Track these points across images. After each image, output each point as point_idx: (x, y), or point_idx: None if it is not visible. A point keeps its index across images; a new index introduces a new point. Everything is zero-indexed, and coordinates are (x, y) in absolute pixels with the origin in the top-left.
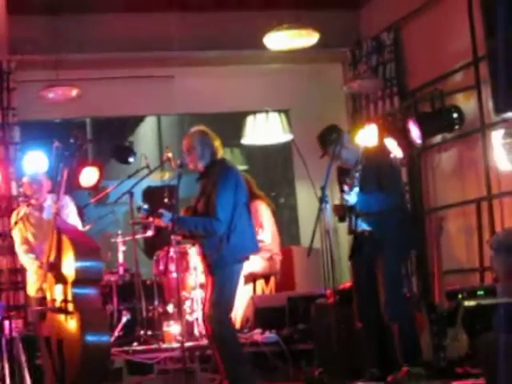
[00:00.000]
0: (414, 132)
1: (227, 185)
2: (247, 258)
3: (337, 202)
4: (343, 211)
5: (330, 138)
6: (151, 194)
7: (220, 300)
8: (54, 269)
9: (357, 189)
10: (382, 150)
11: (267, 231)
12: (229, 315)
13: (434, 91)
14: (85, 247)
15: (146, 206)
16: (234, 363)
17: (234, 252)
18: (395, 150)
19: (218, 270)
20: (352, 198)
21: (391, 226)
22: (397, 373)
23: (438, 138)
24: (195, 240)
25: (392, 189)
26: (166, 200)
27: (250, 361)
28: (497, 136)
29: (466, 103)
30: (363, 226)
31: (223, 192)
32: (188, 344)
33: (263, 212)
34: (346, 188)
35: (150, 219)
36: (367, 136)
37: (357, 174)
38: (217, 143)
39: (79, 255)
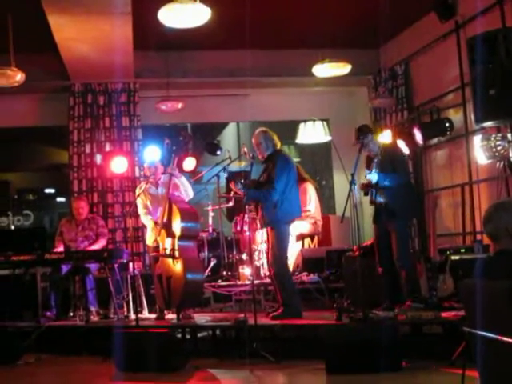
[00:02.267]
0: (418, 136)
1: (283, 165)
2: (293, 221)
3: (363, 181)
4: (367, 187)
5: (363, 131)
6: (232, 177)
7: (277, 249)
8: (166, 227)
9: (375, 170)
10: (394, 145)
11: (313, 204)
12: (285, 259)
13: (432, 107)
14: (187, 213)
15: (241, 181)
16: (289, 293)
17: (285, 215)
18: (404, 149)
19: (273, 226)
20: (373, 176)
21: (400, 198)
22: (402, 305)
23: (434, 141)
24: (258, 204)
25: (402, 171)
26: (242, 180)
27: (299, 293)
28: (477, 140)
29: (455, 116)
30: (380, 200)
31: (280, 170)
32: (256, 281)
33: (310, 191)
34: (367, 170)
35: (234, 189)
36: (384, 138)
37: (376, 160)
38: (275, 138)
39: (183, 218)
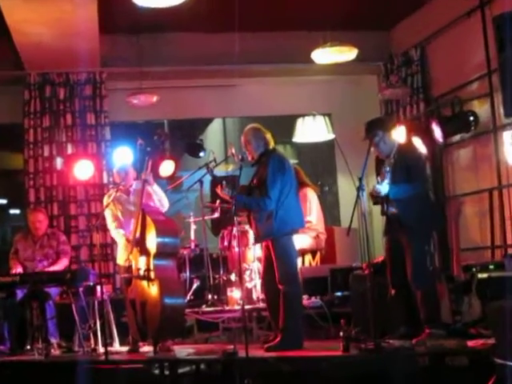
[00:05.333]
0: (437, 132)
1: (276, 168)
2: (295, 232)
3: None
4: (376, 198)
5: (373, 128)
6: (217, 183)
7: (285, 265)
8: (139, 244)
9: (387, 181)
10: (411, 147)
11: (314, 214)
12: (297, 275)
13: (454, 98)
14: (164, 226)
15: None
16: (294, 317)
17: (282, 226)
18: (421, 147)
19: (271, 241)
20: (383, 188)
21: (415, 210)
22: (420, 335)
23: (456, 138)
24: (250, 214)
25: (417, 180)
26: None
27: (302, 319)
28: (507, 136)
29: (481, 108)
30: (392, 209)
31: (273, 174)
32: (247, 306)
33: (311, 198)
34: (378, 179)
35: (221, 194)
36: (397, 136)
37: (387, 168)
38: (268, 136)
39: (159, 232)
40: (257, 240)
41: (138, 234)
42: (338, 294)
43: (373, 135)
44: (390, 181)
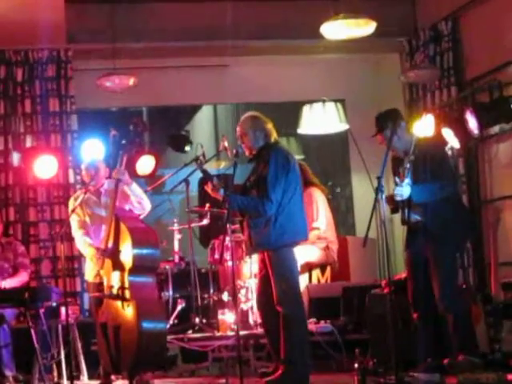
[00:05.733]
0: (472, 122)
1: (280, 165)
2: (295, 244)
3: (391, 192)
4: (395, 203)
5: (386, 121)
6: (208, 177)
7: (283, 282)
8: (111, 255)
9: (407, 180)
10: (435, 140)
11: (322, 219)
12: (298, 295)
13: (493, 81)
14: (142, 235)
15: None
16: (297, 346)
17: (281, 234)
18: (452, 141)
19: (268, 252)
20: (404, 190)
21: (445, 217)
22: (454, 358)
23: (495, 129)
24: (243, 219)
25: (445, 179)
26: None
27: (310, 347)
28: None
29: None
30: (415, 217)
31: (275, 172)
32: (243, 332)
33: (318, 198)
34: (397, 180)
35: (212, 193)
36: (424, 126)
37: (408, 165)
38: (269, 126)
39: (136, 242)
40: (249, 251)
41: (110, 244)
42: (352, 317)
43: (384, 130)
44: (412, 181)
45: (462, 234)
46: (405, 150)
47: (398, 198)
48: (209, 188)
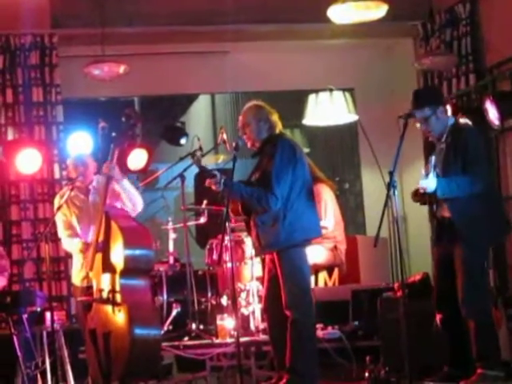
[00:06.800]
0: (492, 113)
1: (286, 158)
2: (308, 242)
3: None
4: (422, 198)
5: (427, 97)
6: (204, 179)
7: (294, 284)
8: (101, 250)
9: (432, 173)
10: (468, 126)
11: (330, 217)
12: (309, 299)
13: None
14: (135, 234)
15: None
16: (305, 354)
17: (291, 233)
18: None
19: (278, 252)
20: (430, 183)
21: (474, 214)
22: (471, 376)
23: None
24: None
25: (478, 172)
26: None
27: (318, 357)
28: None
29: None
30: (443, 212)
31: (281, 165)
32: (243, 339)
33: (325, 195)
34: (422, 171)
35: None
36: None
37: (433, 157)
38: (274, 117)
39: (128, 243)
40: (258, 252)
41: (100, 244)
42: (363, 322)
43: (423, 108)
44: (441, 172)
45: (493, 233)
46: (440, 134)
47: (422, 191)
48: (212, 184)
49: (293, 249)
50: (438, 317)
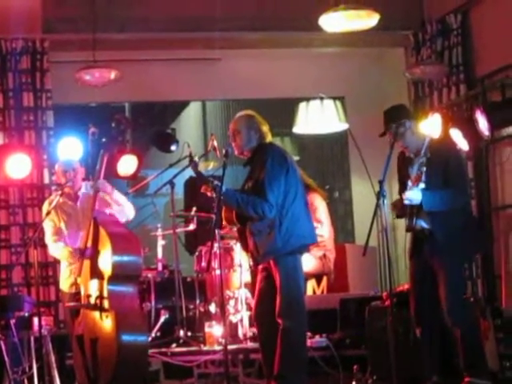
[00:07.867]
0: (482, 123)
1: (277, 166)
2: (304, 249)
3: (397, 196)
4: (402, 210)
5: (397, 116)
6: (194, 186)
7: (287, 293)
8: (89, 256)
9: (422, 185)
10: (449, 142)
11: (326, 226)
12: (302, 308)
13: (505, 79)
14: (123, 241)
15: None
16: (294, 361)
17: (287, 240)
18: (461, 143)
19: (275, 260)
20: (415, 195)
21: (454, 226)
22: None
23: (508, 130)
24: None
25: (459, 187)
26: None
27: (307, 365)
28: None
29: None
30: (422, 224)
31: (272, 172)
32: (231, 347)
33: (319, 205)
34: (409, 183)
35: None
36: (430, 126)
37: (424, 169)
38: (265, 128)
39: (117, 249)
40: (257, 261)
41: (88, 250)
42: (350, 331)
43: (397, 126)
44: (424, 185)
45: (471, 245)
46: (417, 149)
47: (407, 203)
48: (208, 192)
49: (289, 256)
50: (418, 331)
